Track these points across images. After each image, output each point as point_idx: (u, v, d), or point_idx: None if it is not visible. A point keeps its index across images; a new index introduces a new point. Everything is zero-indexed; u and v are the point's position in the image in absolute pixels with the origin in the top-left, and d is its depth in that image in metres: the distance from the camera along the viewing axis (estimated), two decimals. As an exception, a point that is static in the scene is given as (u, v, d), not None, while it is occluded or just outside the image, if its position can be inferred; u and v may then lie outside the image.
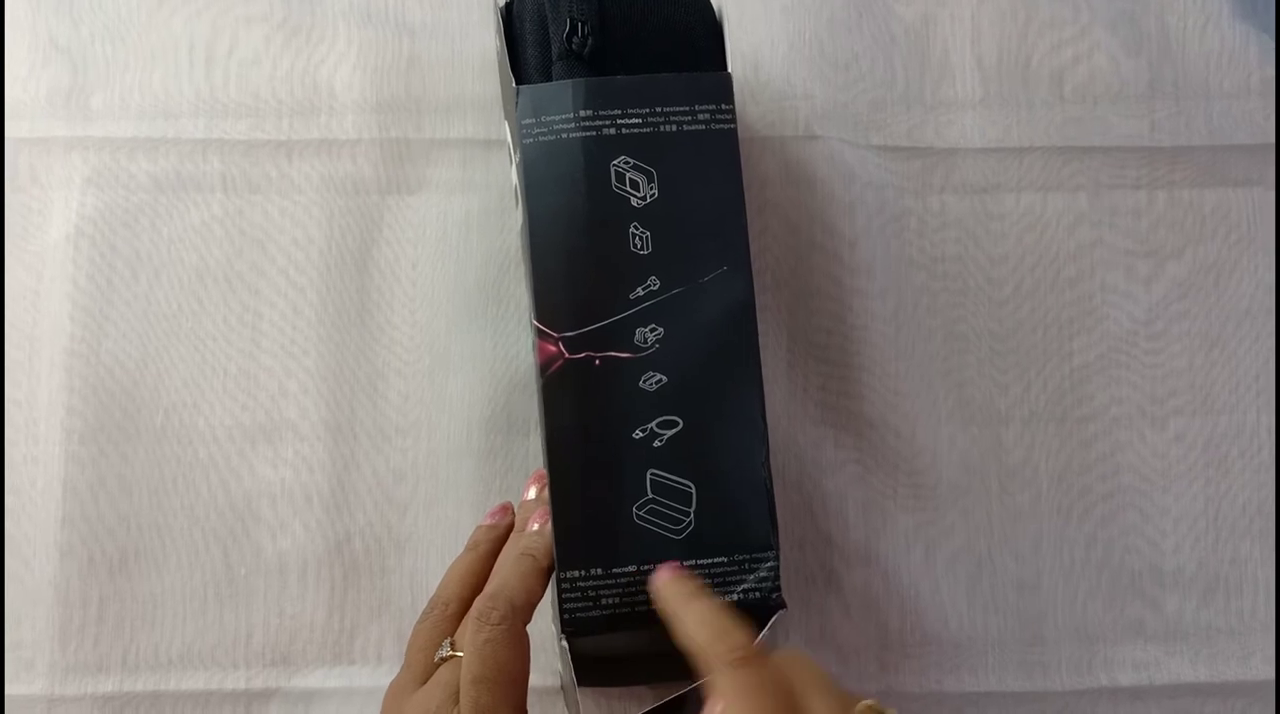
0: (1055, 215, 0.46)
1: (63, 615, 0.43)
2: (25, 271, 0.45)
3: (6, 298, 0.44)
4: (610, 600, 0.35)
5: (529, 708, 0.32)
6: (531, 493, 0.38)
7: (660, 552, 0.35)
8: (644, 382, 0.36)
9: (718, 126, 0.37)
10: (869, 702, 0.31)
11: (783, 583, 0.46)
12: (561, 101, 0.36)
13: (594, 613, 0.35)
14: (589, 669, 0.36)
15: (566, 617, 0.35)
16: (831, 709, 0.30)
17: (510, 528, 0.38)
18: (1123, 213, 0.46)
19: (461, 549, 0.38)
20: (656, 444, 0.36)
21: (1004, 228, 0.46)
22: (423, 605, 0.36)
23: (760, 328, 0.45)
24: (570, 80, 0.37)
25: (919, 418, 0.45)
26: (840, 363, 0.45)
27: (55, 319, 0.44)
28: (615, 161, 0.36)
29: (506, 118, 0.41)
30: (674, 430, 0.36)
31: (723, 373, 0.36)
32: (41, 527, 0.43)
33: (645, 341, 0.36)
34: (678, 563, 0.35)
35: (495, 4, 0.39)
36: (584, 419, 0.36)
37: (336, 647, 0.43)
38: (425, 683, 0.33)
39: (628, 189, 0.37)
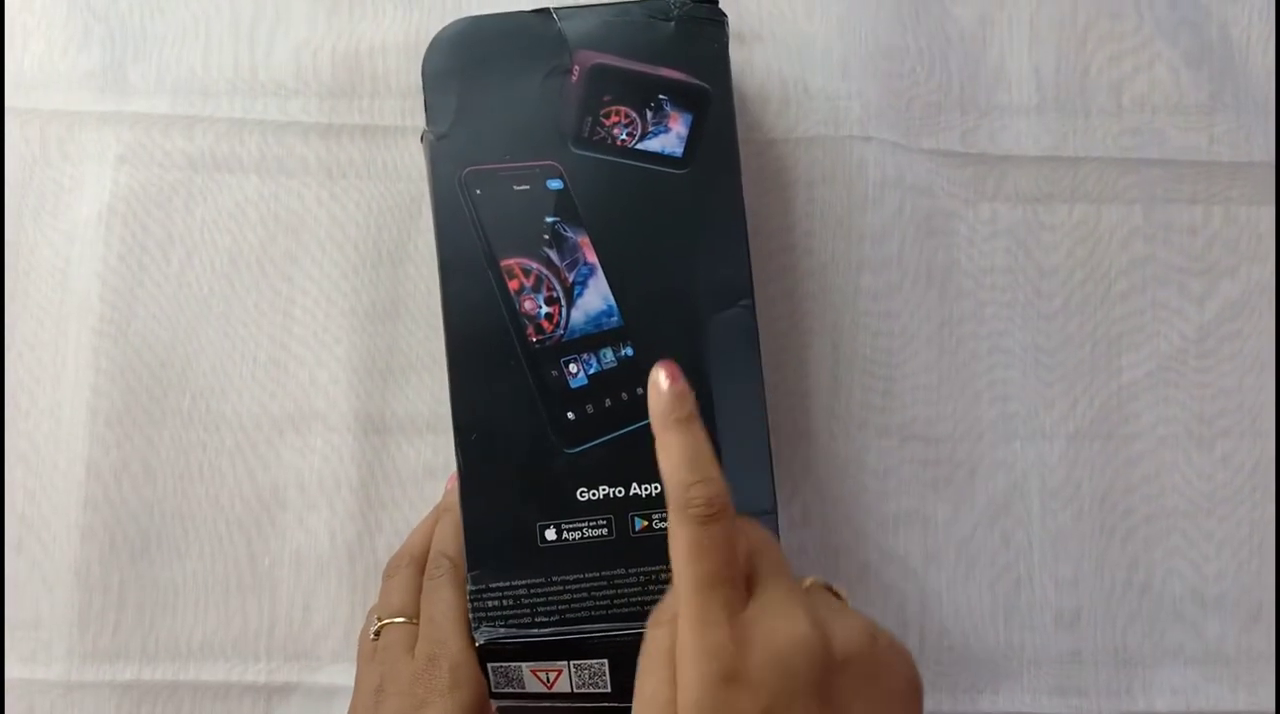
0: (1109, 228, 0.45)
1: (82, 599, 0.42)
2: (53, 250, 0.44)
3: (35, 275, 0.43)
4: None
5: None
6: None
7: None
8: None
9: None
10: (816, 578, 0.33)
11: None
12: None
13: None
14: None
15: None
16: (784, 588, 0.30)
17: None
18: (1177, 229, 0.45)
19: None
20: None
21: (1055, 239, 0.45)
22: None
23: (805, 331, 0.44)
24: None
25: (961, 432, 0.44)
26: (884, 373, 0.44)
27: (83, 298, 0.43)
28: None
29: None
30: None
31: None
32: (63, 508, 0.43)
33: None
34: (673, 364, 0.32)
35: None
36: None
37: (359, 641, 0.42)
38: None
39: None
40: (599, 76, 0.38)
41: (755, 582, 0.30)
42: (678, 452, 0.30)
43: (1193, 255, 0.45)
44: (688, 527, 0.29)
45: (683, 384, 0.31)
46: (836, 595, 0.34)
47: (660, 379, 0.31)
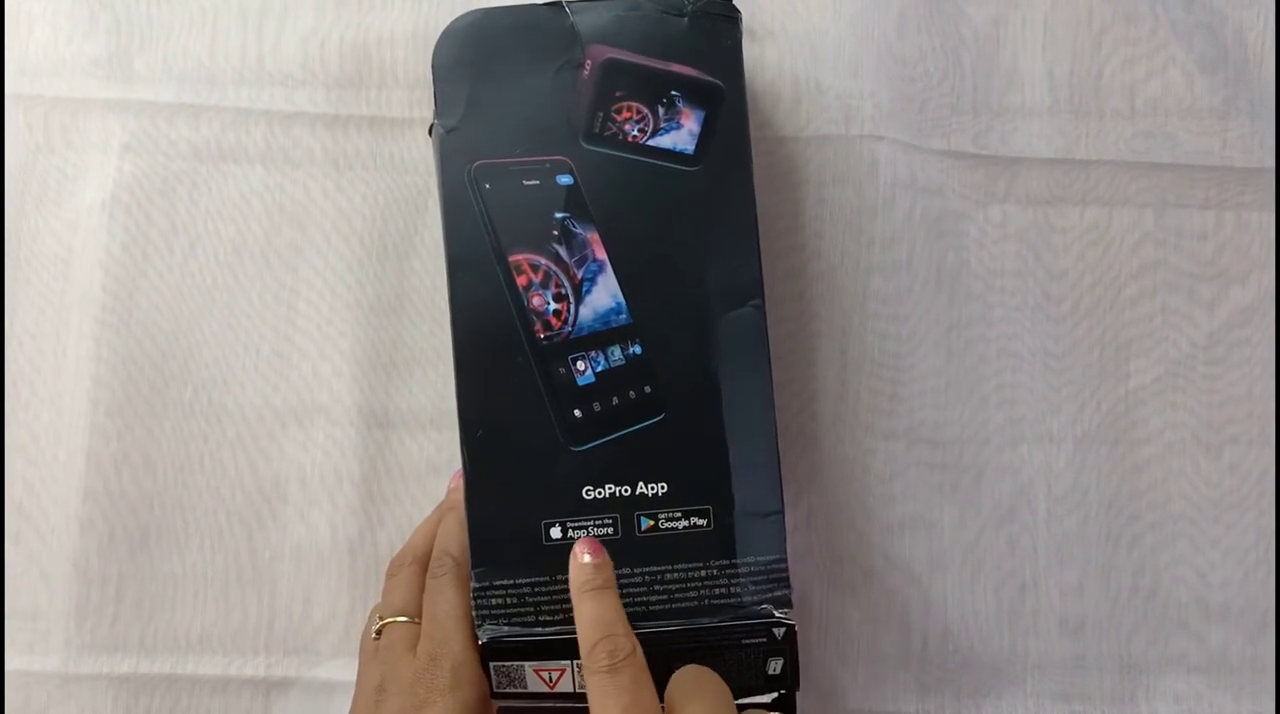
0: (1120, 233, 0.45)
1: (80, 591, 0.42)
2: (55, 238, 0.43)
3: (37, 264, 0.43)
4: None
5: None
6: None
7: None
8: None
9: None
10: (756, 709, 0.34)
11: (823, 598, 0.45)
12: None
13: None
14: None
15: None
16: None
17: None
18: (1188, 234, 0.45)
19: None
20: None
21: (1066, 242, 0.45)
22: None
23: (813, 333, 0.44)
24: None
25: (968, 436, 0.44)
26: (891, 376, 0.44)
27: (86, 287, 0.43)
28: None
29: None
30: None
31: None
32: (62, 499, 0.42)
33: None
34: (594, 541, 0.35)
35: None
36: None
37: (360, 639, 0.42)
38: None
39: None
40: (611, 71, 0.37)
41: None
42: (588, 615, 0.33)
43: (1203, 261, 0.45)
44: (597, 677, 0.31)
45: (602, 558, 0.34)
46: None
47: (579, 553, 0.34)
